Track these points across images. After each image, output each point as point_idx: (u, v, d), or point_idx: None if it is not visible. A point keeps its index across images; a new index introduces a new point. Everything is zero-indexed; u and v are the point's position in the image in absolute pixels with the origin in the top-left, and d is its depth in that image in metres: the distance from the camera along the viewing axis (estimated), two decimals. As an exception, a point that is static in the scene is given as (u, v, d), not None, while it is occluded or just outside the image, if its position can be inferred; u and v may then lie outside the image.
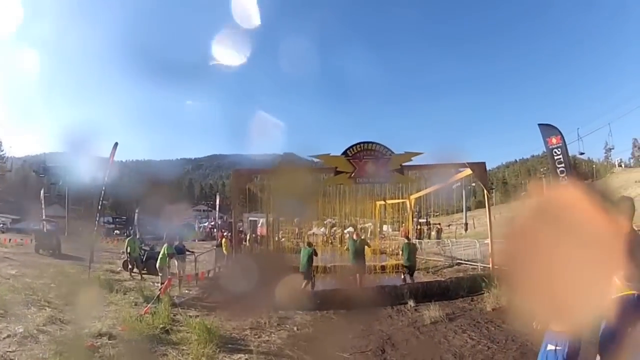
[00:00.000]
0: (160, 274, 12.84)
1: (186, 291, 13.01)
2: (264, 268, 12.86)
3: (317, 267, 13.34)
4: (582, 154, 53.41)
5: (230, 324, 8.50)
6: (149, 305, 9.65)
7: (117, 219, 52.34)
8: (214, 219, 42.72)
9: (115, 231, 46.25)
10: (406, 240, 13.12)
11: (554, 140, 15.11)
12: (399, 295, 10.82)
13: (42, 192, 30.93)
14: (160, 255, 12.97)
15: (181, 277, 13.24)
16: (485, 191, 11.50)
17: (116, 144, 13.63)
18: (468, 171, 11.97)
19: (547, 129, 15.34)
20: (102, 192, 13.61)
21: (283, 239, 21.80)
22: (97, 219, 14.98)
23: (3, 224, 41.02)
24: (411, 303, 10.36)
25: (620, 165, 73.24)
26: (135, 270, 15.64)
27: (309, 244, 12.49)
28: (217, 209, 33.58)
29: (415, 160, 11.35)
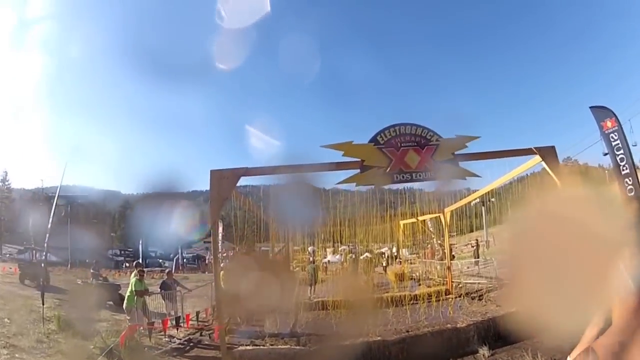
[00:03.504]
0: (127, 317, 9.27)
1: (167, 339, 9.37)
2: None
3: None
4: (605, 154, 48.78)
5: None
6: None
7: (124, 252, 49.01)
8: (226, 250, 39.12)
9: (125, 264, 42.60)
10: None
11: (609, 124, 12.71)
12: (462, 340, 7.11)
13: (30, 220, 27.63)
14: (127, 293, 9.39)
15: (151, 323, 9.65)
16: (558, 182, 7.76)
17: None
18: (535, 159, 8.35)
19: (601, 112, 12.92)
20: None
21: (297, 269, 18.31)
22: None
23: (10, 254, 38.08)
24: (484, 352, 6.71)
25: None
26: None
27: (313, 261, 16.32)
28: (221, 237, 30.08)
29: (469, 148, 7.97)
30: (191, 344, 9.17)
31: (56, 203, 10.93)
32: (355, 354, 6.41)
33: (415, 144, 7.28)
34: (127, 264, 42.14)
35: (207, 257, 40.28)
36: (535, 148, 8.09)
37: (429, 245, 26.43)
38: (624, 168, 12.52)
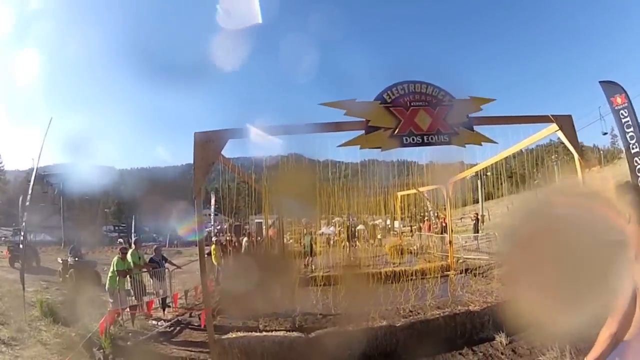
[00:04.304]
0: (110, 300, 8.40)
1: (154, 322, 8.54)
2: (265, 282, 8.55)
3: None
4: (605, 134, 47.76)
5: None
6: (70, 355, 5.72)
7: (117, 227, 48.08)
8: (219, 222, 38.04)
9: (119, 240, 41.68)
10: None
11: (619, 100, 11.83)
12: (477, 325, 6.31)
13: (20, 199, 26.44)
14: (109, 274, 8.49)
15: (137, 305, 8.81)
16: (576, 155, 6.95)
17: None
18: (552, 128, 7.45)
19: (610, 87, 12.01)
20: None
21: (291, 241, 17.45)
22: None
23: (5, 237, 36.64)
24: (502, 339, 5.93)
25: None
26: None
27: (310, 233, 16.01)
28: (212, 210, 28.99)
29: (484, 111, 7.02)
30: (180, 326, 8.37)
31: (33, 183, 9.94)
32: (359, 341, 5.59)
33: (427, 103, 6.29)
34: (121, 240, 41.37)
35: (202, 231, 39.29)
36: (552, 116, 7.14)
37: (426, 218, 25.78)
38: (634, 146, 11.78)
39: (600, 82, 12.65)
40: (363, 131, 5.93)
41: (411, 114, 6.13)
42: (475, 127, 6.61)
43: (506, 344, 5.80)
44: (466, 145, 6.51)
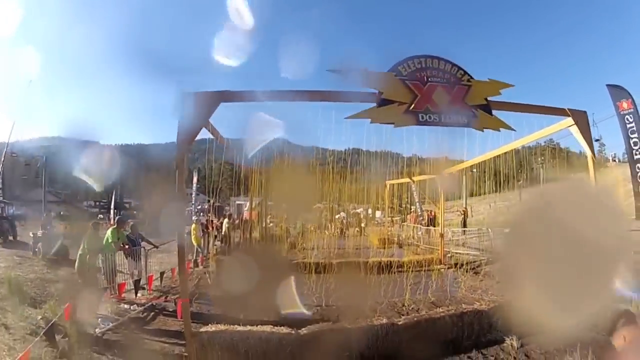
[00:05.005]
0: (80, 281, 7.56)
1: (126, 306, 7.70)
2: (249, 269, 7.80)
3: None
4: (597, 140, 47.84)
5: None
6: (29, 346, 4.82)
7: (98, 202, 46.60)
8: (200, 202, 36.77)
9: (99, 215, 40.26)
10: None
11: (624, 105, 11.82)
12: (485, 325, 5.69)
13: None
14: (79, 252, 7.60)
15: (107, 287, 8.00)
16: (589, 152, 6.39)
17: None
18: (565, 122, 6.85)
19: (617, 92, 11.91)
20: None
21: (271, 224, 16.66)
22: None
23: None
24: (513, 342, 5.33)
25: (615, 160, 68.61)
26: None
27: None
28: (194, 188, 27.84)
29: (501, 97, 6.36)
30: (154, 312, 7.54)
31: (4, 158, 9.03)
32: (357, 341, 4.88)
33: (445, 80, 5.56)
34: (101, 215, 39.96)
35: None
36: (569, 110, 6.66)
37: (412, 210, 25.26)
38: (637, 153, 11.79)
39: (607, 85, 12.43)
40: (375, 104, 5.16)
41: (428, 89, 5.38)
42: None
43: (518, 348, 5.18)
44: (484, 130, 5.81)
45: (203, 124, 4.90)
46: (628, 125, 11.64)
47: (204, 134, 7.53)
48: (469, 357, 5.08)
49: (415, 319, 5.45)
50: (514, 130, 6.21)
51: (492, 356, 5.09)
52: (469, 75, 5.77)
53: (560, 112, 6.76)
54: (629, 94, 11.55)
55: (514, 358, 5.00)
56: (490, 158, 11.18)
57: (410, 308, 7.04)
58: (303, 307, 5.51)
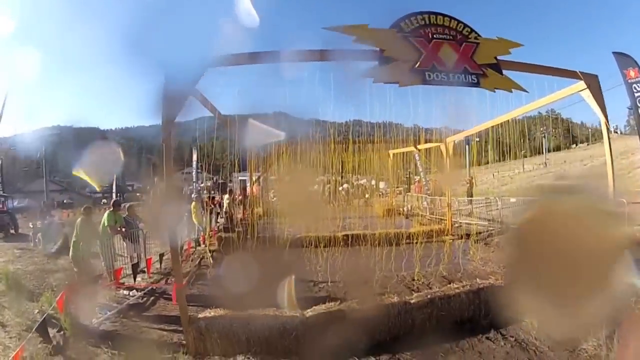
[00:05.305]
0: (75, 269, 7.21)
1: (125, 292, 7.38)
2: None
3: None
4: None
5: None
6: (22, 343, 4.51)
7: (102, 187, 46.26)
8: (202, 180, 36.26)
9: (103, 200, 40.07)
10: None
11: (632, 74, 11.04)
12: (502, 303, 5.28)
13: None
14: (73, 239, 7.24)
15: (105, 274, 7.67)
16: (602, 117, 5.90)
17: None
18: (576, 87, 6.34)
19: (624, 60, 11.20)
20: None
21: (275, 199, 16.26)
22: None
23: None
24: (534, 321, 4.96)
25: (617, 132, 67.25)
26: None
27: None
28: (194, 166, 27.18)
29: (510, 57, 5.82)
30: (154, 296, 7.22)
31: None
32: (367, 323, 4.50)
33: (451, 37, 5.01)
34: (105, 200, 39.72)
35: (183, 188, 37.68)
36: (580, 72, 6.21)
37: (417, 179, 24.77)
38: None
39: (613, 53, 11.80)
40: (377, 62, 4.64)
41: (434, 46, 4.83)
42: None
43: (538, 327, 4.81)
44: (496, 90, 5.29)
45: (189, 94, 4.40)
46: (636, 94, 10.99)
47: (205, 112, 7.07)
48: (487, 337, 4.71)
49: (429, 296, 5.04)
50: (527, 91, 5.69)
51: (512, 336, 4.72)
52: (476, 32, 5.22)
53: (572, 74, 6.33)
54: (636, 62, 11.11)
55: (536, 339, 4.62)
56: (497, 124, 10.76)
57: (421, 283, 6.67)
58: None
